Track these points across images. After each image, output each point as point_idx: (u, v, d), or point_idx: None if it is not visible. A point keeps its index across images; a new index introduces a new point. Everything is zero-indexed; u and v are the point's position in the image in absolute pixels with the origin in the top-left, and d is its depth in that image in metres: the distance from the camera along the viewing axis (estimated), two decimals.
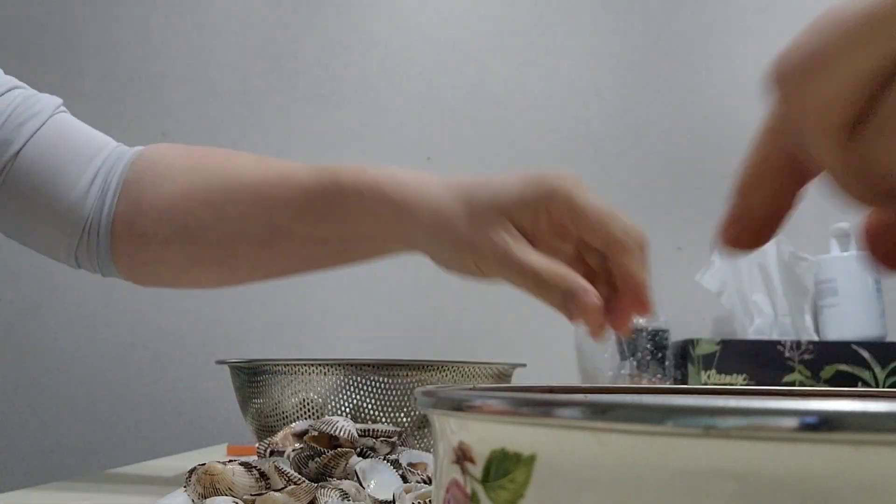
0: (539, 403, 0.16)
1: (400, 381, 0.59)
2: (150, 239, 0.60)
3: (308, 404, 0.59)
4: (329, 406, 0.58)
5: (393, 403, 0.59)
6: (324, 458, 0.48)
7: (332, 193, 0.55)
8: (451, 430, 0.18)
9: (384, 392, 0.59)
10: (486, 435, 0.17)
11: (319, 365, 0.59)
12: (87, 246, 0.61)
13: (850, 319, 1.25)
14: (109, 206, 0.60)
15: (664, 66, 1.48)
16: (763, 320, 1.26)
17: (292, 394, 0.59)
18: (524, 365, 0.77)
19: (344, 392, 0.58)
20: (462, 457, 0.17)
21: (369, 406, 0.58)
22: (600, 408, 0.15)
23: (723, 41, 1.48)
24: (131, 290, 1.52)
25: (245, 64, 1.53)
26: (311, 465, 0.49)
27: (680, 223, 1.43)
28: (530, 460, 0.16)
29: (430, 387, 0.20)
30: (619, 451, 0.14)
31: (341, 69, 1.52)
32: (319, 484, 0.45)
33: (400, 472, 0.49)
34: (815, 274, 1.28)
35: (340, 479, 0.47)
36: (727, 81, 1.46)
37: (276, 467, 0.44)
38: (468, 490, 0.17)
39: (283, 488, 0.42)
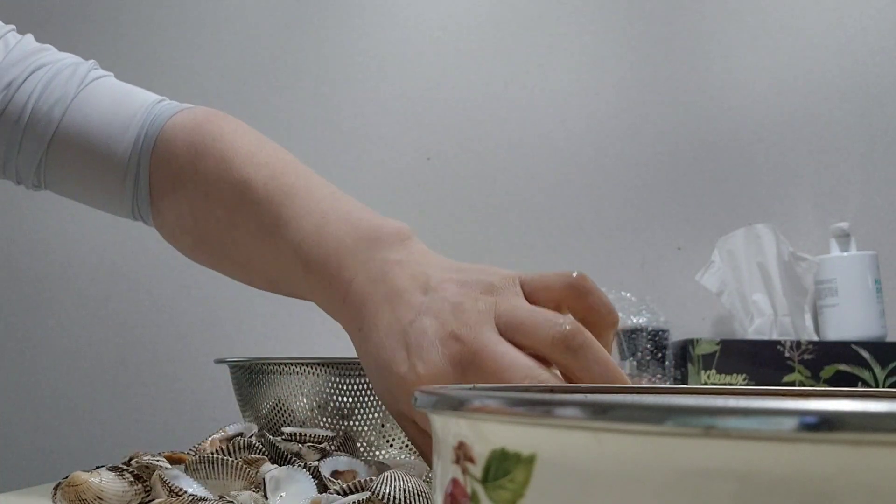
0: (539, 403, 0.16)
1: None
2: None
3: (308, 403, 0.59)
4: (330, 405, 0.58)
5: None
6: (232, 466, 0.45)
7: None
8: (451, 429, 0.18)
9: None
10: (486, 435, 0.17)
11: (320, 364, 0.59)
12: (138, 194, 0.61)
13: (850, 319, 1.25)
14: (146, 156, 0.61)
15: (663, 66, 1.48)
16: (763, 320, 1.26)
17: (292, 393, 0.59)
18: None
19: (344, 391, 0.58)
20: (462, 456, 0.17)
21: (370, 405, 0.58)
22: (600, 408, 0.15)
23: (722, 41, 1.48)
24: (131, 289, 1.52)
25: (245, 64, 1.53)
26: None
27: (680, 223, 1.43)
28: (530, 460, 0.16)
29: (430, 386, 0.20)
30: (619, 451, 0.14)
31: (341, 69, 1.52)
32: (219, 496, 0.42)
33: (320, 481, 0.45)
34: (815, 274, 1.29)
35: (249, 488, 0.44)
36: (726, 81, 1.46)
37: (160, 477, 0.41)
38: (468, 490, 0.17)
39: (155, 500, 0.40)
